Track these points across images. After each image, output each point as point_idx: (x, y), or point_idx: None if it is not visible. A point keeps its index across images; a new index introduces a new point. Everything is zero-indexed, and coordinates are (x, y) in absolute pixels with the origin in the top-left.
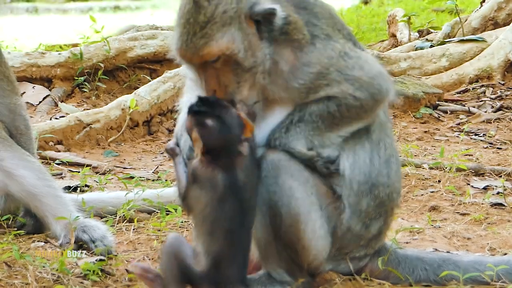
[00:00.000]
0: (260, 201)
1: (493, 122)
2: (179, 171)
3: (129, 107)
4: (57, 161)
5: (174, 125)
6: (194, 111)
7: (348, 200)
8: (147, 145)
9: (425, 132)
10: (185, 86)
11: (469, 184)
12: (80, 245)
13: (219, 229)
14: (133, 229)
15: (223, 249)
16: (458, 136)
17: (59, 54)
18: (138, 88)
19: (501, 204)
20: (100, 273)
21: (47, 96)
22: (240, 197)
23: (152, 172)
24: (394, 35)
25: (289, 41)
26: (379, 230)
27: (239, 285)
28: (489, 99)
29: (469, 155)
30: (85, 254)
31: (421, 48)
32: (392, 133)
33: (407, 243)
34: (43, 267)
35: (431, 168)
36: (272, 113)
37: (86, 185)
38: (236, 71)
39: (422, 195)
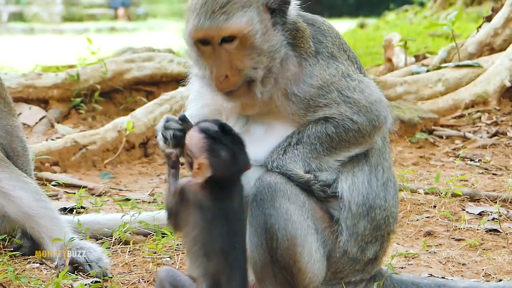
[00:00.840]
0: (256, 224)
1: (489, 147)
2: (171, 183)
3: (126, 129)
4: (53, 183)
5: None
6: (211, 136)
7: (346, 223)
8: (143, 167)
9: (421, 157)
10: (188, 99)
11: (465, 210)
12: (75, 267)
13: (213, 251)
14: (129, 251)
15: (220, 270)
16: (453, 161)
17: (55, 75)
18: (134, 110)
19: (496, 230)
20: None
21: (43, 117)
22: (232, 221)
23: (148, 194)
24: (390, 60)
25: (296, 48)
26: (375, 254)
27: None
28: (484, 124)
29: (465, 181)
30: (81, 276)
31: (417, 73)
32: (389, 158)
33: (402, 268)
34: None
35: (426, 193)
36: (271, 131)
37: (82, 207)
38: (251, 55)
39: (417, 220)
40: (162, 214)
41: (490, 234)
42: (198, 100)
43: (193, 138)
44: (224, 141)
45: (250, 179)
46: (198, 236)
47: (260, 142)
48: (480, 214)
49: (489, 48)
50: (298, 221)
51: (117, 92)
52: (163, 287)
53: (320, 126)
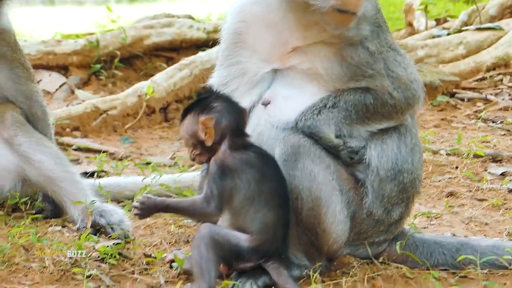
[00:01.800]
0: None
1: (510, 109)
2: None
3: (146, 94)
4: (73, 147)
5: None
6: (196, 103)
7: (372, 185)
8: (163, 131)
9: (442, 119)
10: (217, 62)
11: (487, 171)
12: (97, 229)
13: (267, 204)
14: None
15: (273, 223)
16: (475, 124)
17: (75, 42)
18: (154, 76)
19: None
20: (117, 257)
21: (63, 83)
22: (276, 170)
23: (169, 158)
24: (411, 24)
25: None
26: (400, 216)
27: (285, 257)
28: (506, 87)
29: (487, 142)
30: (103, 238)
31: (438, 36)
32: (416, 124)
33: (424, 228)
34: (61, 250)
35: (448, 155)
36: (301, 94)
37: (103, 171)
38: None
39: (439, 181)
40: (183, 177)
41: None
42: (226, 61)
43: (185, 122)
44: (210, 99)
45: (274, 141)
46: (254, 191)
47: (288, 103)
48: (502, 174)
49: (510, 11)
50: (322, 182)
51: (137, 58)
52: (205, 243)
53: (359, 95)
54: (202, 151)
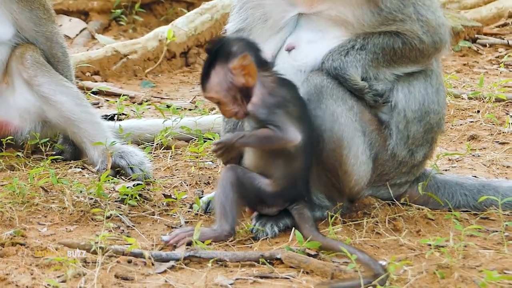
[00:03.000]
0: None
1: None
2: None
3: (166, 38)
4: (94, 89)
5: None
6: (214, 51)
7: (397, 126)
8: (184, 76)
9: (464, 64)
10: (235, 5)
11: (508, 114)
12: (117, 171)
13: (299, 149)
14: (171, 156)
15: (300, 168)
16: (497, 69)
17: None
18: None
19: None
20: (137, 198)
21: (84, 29)
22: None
23: (190, 102)
24: None
25: None
26: (424, 157)
27: (308, 200)
28: None
29: (508, 87)
30: (123, 180)
31: None
32: (441, 65)
33: (446, 170)
34: (80, 191)
35: (470, 98)
36: (325, 37)
37: (123, 114)
38: None
39: (461, 124)
40: (204, 120)
41: None
42: (241, 10)
43: (214, 79)
44: (224, 45)
45: (301, 86)
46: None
47: (313, 48)
48: None
49: None
50: (345, 123)
51: (157, 4)
52: (231, 183)
53: (388, 38)
54: (244, 99)
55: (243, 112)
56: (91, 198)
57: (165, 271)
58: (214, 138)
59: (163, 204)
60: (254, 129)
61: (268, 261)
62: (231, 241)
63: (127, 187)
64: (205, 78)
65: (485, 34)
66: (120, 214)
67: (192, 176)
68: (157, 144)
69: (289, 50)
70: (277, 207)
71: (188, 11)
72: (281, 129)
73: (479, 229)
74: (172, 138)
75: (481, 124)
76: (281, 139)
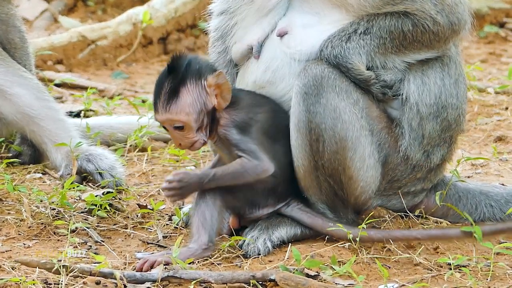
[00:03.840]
0: (299, 122)
1: None
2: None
3: (142, 21)
4: (56, 81)
5: (194, 43)
6: (183, 67)
7: (410, 124)
8: (162, 66)
9: (490, 53)
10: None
11: None
12: (83, 177)
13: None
14: (146, 160)
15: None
16: None
17: None
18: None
19: None
20: (107, 208)
21: (45, 10)
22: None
23: None
24: None
25: None
26: (442, 159)
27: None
28: None
29: None
30: (90, 187)
31: None
32: (460, 51)
33: (468, 177)
34: (41, 201)
35: (497, 93)
36: (322, 20)
37: (90, 110)
38: None
39: (486, 123)
40: None
41: None
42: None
43: (184, 98)
44: (192, 61)
45: (295, 76)
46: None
47: (308, 33)
48: None
49: None
50: (349, 121)
51: None
52: (212, 192)
53: (396, 20)
54: (210, 125)
55: (202, 141)
56: (53, 209)
57: None
58: None
59: (137, 215)
60: (226, 155)
61: (260, 283)
62: (216, 258)
63: (96, 196)
64: (171, 97)
65: None
66: (87, 228)
67: None
68: (130, 146)
69: (281, 35)
70: (269, 207)
71: None
72: (256, 157)
73: (508, 246)
74: (148, 139)
75: (509, 123)
76: (256, 171)
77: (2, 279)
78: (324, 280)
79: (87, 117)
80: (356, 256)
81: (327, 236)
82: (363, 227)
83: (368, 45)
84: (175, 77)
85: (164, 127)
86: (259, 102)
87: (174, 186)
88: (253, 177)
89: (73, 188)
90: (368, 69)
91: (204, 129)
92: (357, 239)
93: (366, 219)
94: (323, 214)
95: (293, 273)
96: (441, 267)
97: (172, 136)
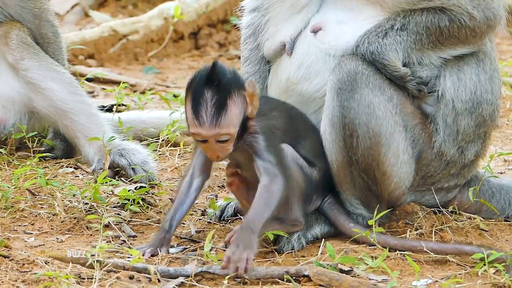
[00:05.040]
0: (333, 118)
1: None
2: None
3: (173, 16)
4: (88, 76)
5: (226, 38)
6: (221, 77)
7: (445, 120)
8: (193, 60)
9: None
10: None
11: None
12: (116, 171)
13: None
14: (179, 154)
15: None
16: None
17: None
18: None
19: None
20: (140, 203)
21: (76, 4)
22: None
23: None
24: None
25: None
26: (476, 155)
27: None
28: None
29: None
30: (123, 181)
31: None
32: (495, 46)
33: (501, 173)
34: (74, 195)
35: None
36: (363, 13)
37: (122, 104)
38: None
39: None
40: None
41: None
42: None
43: (232, 110)
44: (222, 70)
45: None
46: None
47: (343, 29)
48: None
49: None
50: (383, 117)
51: None
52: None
53: (432, 16)
54: (240, 134)
55: (228, 152)
56: (86, 203)
57: None
58: None
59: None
60: (244, 164)
61: (294, 278)
62: None
63: (128, 191)
64: (219, 111)
65: None
66: (120, 222)
67: None
68: (162, 141)
69: (315, 31)
70: (319, 199)
71: None
72: (273, 172)
73: None
74: (180, 134)
75: None
76: (279, 186)
77: (35, 273)
78: (357, 275)
79: (119, 111)
80: (389, 251)
81: None
82: (381, 231)
83: (405, 41)
84: (219, 88)
85: (201, 141)
86: (274, 105)
87: (237, 258)
88: (280, 193)
89: (106, 182)
90: (404, 65)
91: (236, 138)
92: (373, 240)
93: (377, 215)
94: (347, 213)
95: (327, 268)
96: (475, 263)
97: (210, 149)
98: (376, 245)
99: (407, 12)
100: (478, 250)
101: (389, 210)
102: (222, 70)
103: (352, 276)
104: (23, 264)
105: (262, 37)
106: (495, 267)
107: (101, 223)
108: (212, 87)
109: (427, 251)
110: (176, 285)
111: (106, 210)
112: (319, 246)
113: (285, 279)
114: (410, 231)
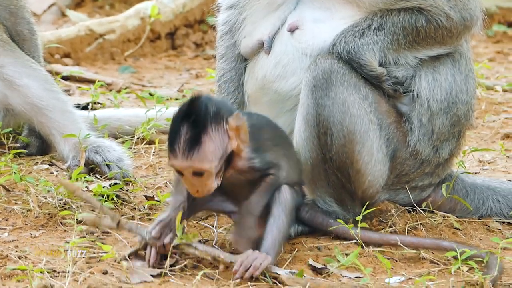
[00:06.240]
0: (307, 115)
1: None
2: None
3: (150, 16)
4: (64, 74)
5: (202, 38)
6: (202, 110)
7: (420, 119)
8: (170, 61)
9: (498, 52)
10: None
11: None
12: (91, 168)
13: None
14: (154, 152)
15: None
16: None
17: None
18: None
19: None
20: (115, 200)
21: (52, 4)
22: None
23: (177, 91)
24: None
25: None
26: (450, 154)
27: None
28: None
29: None
30: (97, 178)
31: None
32: (471, 50)
33: (476, 173)
34: (48, 191)
35: (505, 91)
36: (340, 12)
37: (98, 103)
38: None
39: (494, 121)
40: None
41: None
42: None
43: (207, 144)
44: (207, 101)
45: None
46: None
47: (320, 28)
48: None
49: None
50: (357, 115)
51: None
52: None
53: (410, 16)
54: (224, 168)
55: (216, 185)
56: (60, 199)
57: (145, 282)
58: None
59: (144, 207)
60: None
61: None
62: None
63: (103, 187)
64: (193, 145)
65: None
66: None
67: None
68: (138, 138)
69: (292, 30)
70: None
71: None
72: (279, 167)
73: None
74: (155, 132)
75: None
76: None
77: (8, 267)
78: (331, 273)
79: (95, 109)
80: (362, 248)
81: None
82: (362, 226)
83: (381, 41)
84: (195, 122)
85: (180, 173)
86: (258, 123)
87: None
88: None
89: (81, 179)
90: (380, 65)
91: (220, 172)
92: (356, 234)
93: (364, 211)
94: (323, 211)
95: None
96: (448, 260)
97: (188, 183)
98: (355, 240)
99: (384, 12)
100: (457, 246)
101: (373, 209)
102: (200, 104)
103: (325, 275)
104: None
105: (239, 35)
106: (469, 264)
107: (75, 219)
108: (188, 121)
109: (402, 245)
110: (148, 280)
111: (81, 206)
112: (293, 243)
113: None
114: (384, 229)
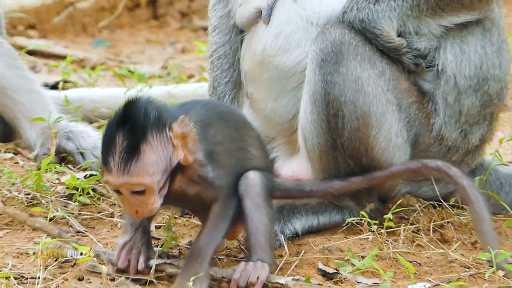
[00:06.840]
0: (315, 95)
1: None
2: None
3: None
4: (28, 48)
5: (189, 6)
6: (142, 114)
7: (446, 99)
8: (151, 32)
9: None
10: None
11: None
12: (62, 157)
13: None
14: None
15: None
16: None
17: None
18: None
19: None
20: (91, 193)
21: None
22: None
23: (160, 67)
24: None
25: None
26: (481, 140)
27: None
28: None
29: None
30: (70, 168)
31: None
32: (503, 17)
33: (511, 162)
34: (13, 184)
35: None
36: None
37: (69, 81)
38: None
39: None
40: (180, 89)
41: None
42: None
43: (148, 154)
44: (150, 105)
45: (311, 42)
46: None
47: None
48: None
49: None
50: (373, 94)
51: None
52: None
53: None
54: (169, 183)
55: (160, 203)
56: (28, 194)
57: None
58: None
59: None
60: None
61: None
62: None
63: (77, 179)
64: (129, 157)
65: None
66: (68, 216)
67: None
68: None
69: None
70: None
71: None
72: (227, 195)
73: None
74: None
75: None
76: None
77: None
78: (344, 278)
79: (66, 89)
80: (381, 250)
81: (346, 227)
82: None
83: (399, 7)
84: (132, 129)
85: (116, 191)
86: (207, 118)
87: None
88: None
89: (51, 169)
90: (399, 35)
91: (164, 187)
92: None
93: (393, 208)
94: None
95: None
96: (480, 264)
97: (126, 203)
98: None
99: None
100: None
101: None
102: (139, 108)
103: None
104: None
105: (233, 3)
106: (504, 269)
107: (46, 217)
108: (125, 129)
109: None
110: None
111: (52, 201)
112: (300, 244)
113: None
114: (405, 227)
